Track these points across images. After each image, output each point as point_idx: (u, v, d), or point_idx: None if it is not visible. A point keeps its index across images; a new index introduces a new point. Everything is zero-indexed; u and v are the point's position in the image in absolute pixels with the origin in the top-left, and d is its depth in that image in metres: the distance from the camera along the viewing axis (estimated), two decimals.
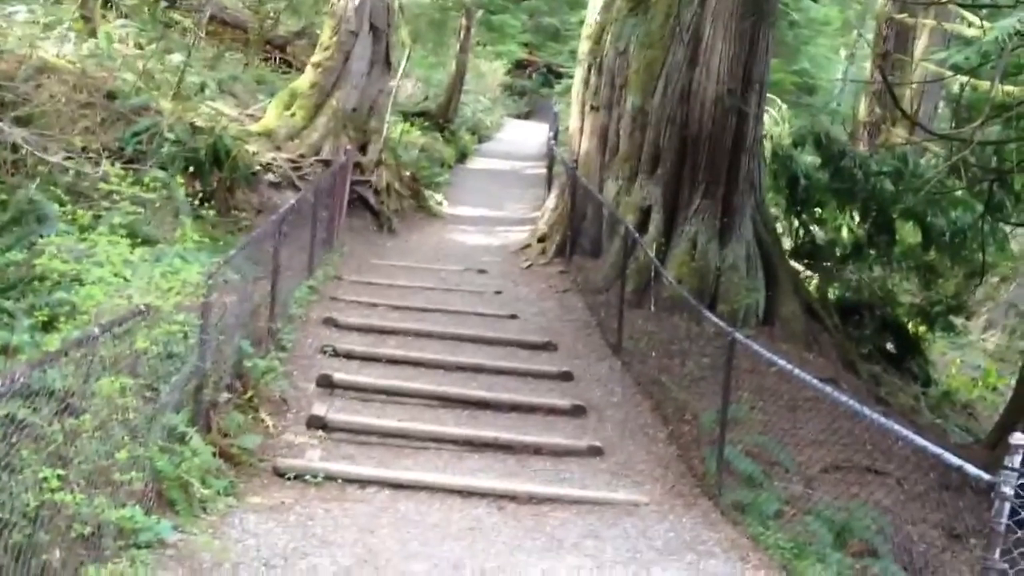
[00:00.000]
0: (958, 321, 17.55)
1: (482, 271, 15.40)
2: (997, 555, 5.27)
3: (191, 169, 11.99)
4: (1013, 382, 14.21)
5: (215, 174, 13.28)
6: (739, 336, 8.74)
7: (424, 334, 11.59)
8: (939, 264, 16.13)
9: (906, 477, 8.82)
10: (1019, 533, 5.42)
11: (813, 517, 8.26)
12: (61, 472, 4.47)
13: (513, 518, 7.63)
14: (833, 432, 10.37)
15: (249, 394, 8.29)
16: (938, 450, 6.07)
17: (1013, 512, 5.29)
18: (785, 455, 9.56)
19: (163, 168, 10.90)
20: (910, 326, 16.63)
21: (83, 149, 10.34)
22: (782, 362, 8.34)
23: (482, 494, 7.94)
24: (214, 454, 7.04)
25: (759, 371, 11.06)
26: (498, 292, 14.20)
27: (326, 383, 9.48)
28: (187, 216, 7.43)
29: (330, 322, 11.33)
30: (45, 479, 4.38)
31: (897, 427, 6.53)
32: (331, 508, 7.24)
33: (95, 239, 5.97)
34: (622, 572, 6.83)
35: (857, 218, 16.41)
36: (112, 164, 6.99)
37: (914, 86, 20.36)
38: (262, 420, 8.27)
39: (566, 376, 10.93)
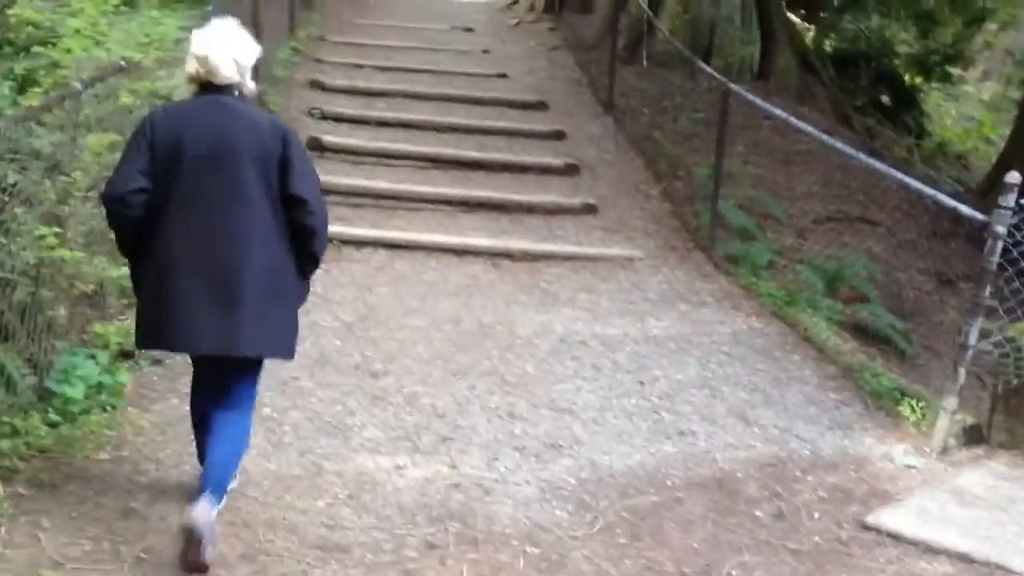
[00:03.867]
0: (955, 71, 17.23)
1: (469, 29, 14.94)
2: (987, 293, 5.37)
3: None
4: (1007, 132, 14.12)
5: None
6: (733, 88, 8.58)
7: (413, 95, 11.35)
8: (938, 11, 15.64)
9: (897, 225, 8.91)
10: (1009, 271, 5.50)
11: (805, 266, 8.41)
12: (58, 231, 4.44)
13: (509, 274, 7.72)
14: (826, 184, 10.42)
15: None
16: (932, 192, 6.09)
17: (1004, 251, 5.35)
18: (778, 208, 9.63)
19: None
20: (906, 77, 16.35)
21: None
22: (778, 112, 8.23)
23: (477, 252, 8.00)
24: None
25: (753, 126, 10.97)
26: (486, 51, 13.82)
27: (316, 146, 9.33)
28: None
29: (316, 84, 11.06)
30: (42, 237, 4.36)
31: (893, 172, 6.52)
32: (329, 268, 7.27)
33: None
34: (617, 323, 6.97)
35: None
36: None
37: None
38: None
39: (558, 135, 10.80)
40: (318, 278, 6.90)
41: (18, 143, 4.60)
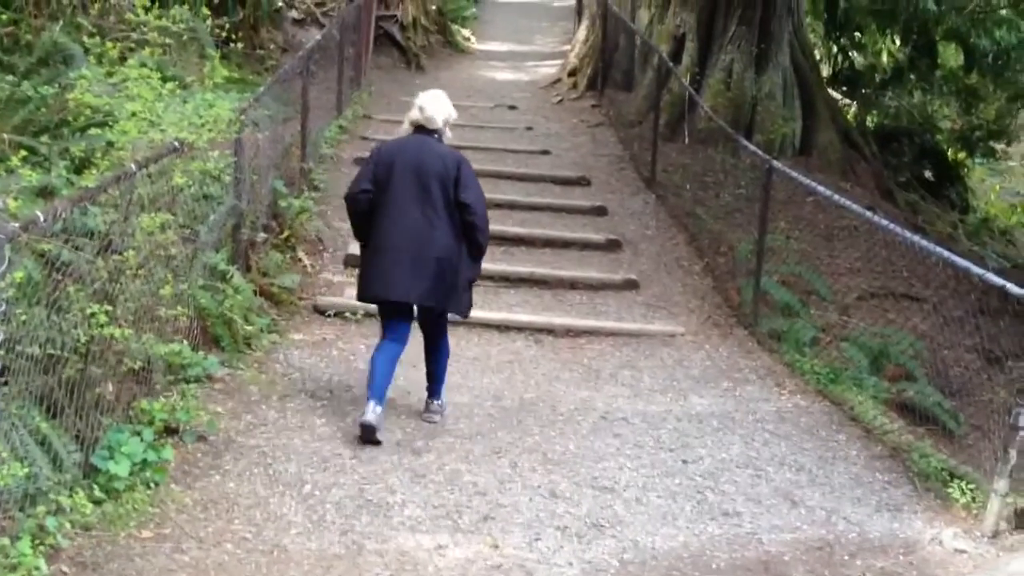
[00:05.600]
0: (999, 146, 17.15)
1: (513, 107, 15.13)
2: None
3: (214, 2, 11.69)
4: None
5: (238, 11, 12.96)
6: (776, 164, 8.61)
7: None
8: (981, 87, 15.65)
9: (943, 302, 8.79)
10: None
11: (849, 344, 8.31)
12: (108, 308, 4.53)
13: (551, 350, 7.73)
14: (869, 260, 10.33)
15: (286, 234, 8.31)
16: (979, 271, 6.04)
17: None
18: (821, 284, 9.56)
19: (184, 3, 10.66)
20: (949, 152, 16.31)
21: None
22: (820, 189, 8.24)
23: (520, 328, 8.03)
24: (255, 292, 7.11)
25: (795, 201, 10.96)
26: (529, 128, 13.99)
27: None
28: (213, 52, 7.29)
29: (361, 161, 11.21)
30: (93, 315, 4.45)
31: (938, 249, 6.48)
32: (372, 343, 7.29)
33: (125, 72, 5.89)
34: (659, 400, 6.94)
35: (898, 41, 15.88)
36: None
37: None
38: (299, 259, 8.32)
39: (600, 211, 10.87)
40: (360, 356, 7.06)
41: (72, 222, 4.72)
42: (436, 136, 5.88)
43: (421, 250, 5.68)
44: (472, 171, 5.89)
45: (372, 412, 5.60)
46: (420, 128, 5.89)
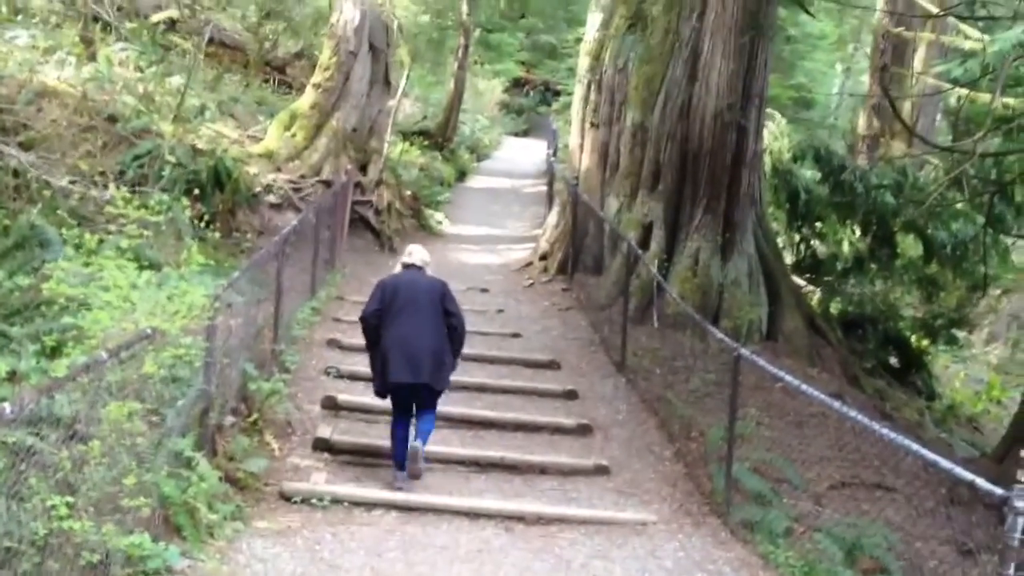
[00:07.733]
0: (961, 334, 17.49)
1: (484, 290, 15.37)
2: (1012, 570, 5.23)
3: (193, 192, 12.01)
4: (1018, 395, 14.16)
5: (216, 196, 13.26)
6: (744, 352, 8.71)
7: None
8: (941, 277, 16.08)
9: (915, 493, 8.78)
10: None
11: (823, 535, 8.20)
12: (70, 500, 4.43)
13: (521, 539, 7.58)
14: (840, 448, 10.34)
15: (254, 417, 8.24)
16: (949, 465, 6.04)
17: None
18: (793, 472, 9.51)
19: (164, 191, 10.92)
20: (913, 340, 16.58)
21: (82, 178, 10.33)
22: (788, 377, 8.31)
23: (489, 515, 7.89)
24: (220, 478, 6.99)
25: (765, 387, 11.02)
26: (500, 311, 14.17)
27: (330, 405, 9.44)
28: (191, 239, 7.45)
29: (333, 343, 11.29)
30: (53, 507, 4.34)
31: (907, 442, 6.50)
32: (338, 531, 7.20)
33: (102, 263, 5.95)
34: None
35: (858, 232, 16.39)
36: (117, 188, 6.99)
37: (913, 99, 20.38)
38: (267, 443, 8.22)
39: (571, 394, 10.89)
40: (327, 543, 6.91)
41: (38, 411, 4.67)
42: (423, 271, 8.33)
43: (421, 347, 7.92)
44: (451, 290, 8.32)
45: (402, 480, 8.03)
46: (411, 266, 8.36)
